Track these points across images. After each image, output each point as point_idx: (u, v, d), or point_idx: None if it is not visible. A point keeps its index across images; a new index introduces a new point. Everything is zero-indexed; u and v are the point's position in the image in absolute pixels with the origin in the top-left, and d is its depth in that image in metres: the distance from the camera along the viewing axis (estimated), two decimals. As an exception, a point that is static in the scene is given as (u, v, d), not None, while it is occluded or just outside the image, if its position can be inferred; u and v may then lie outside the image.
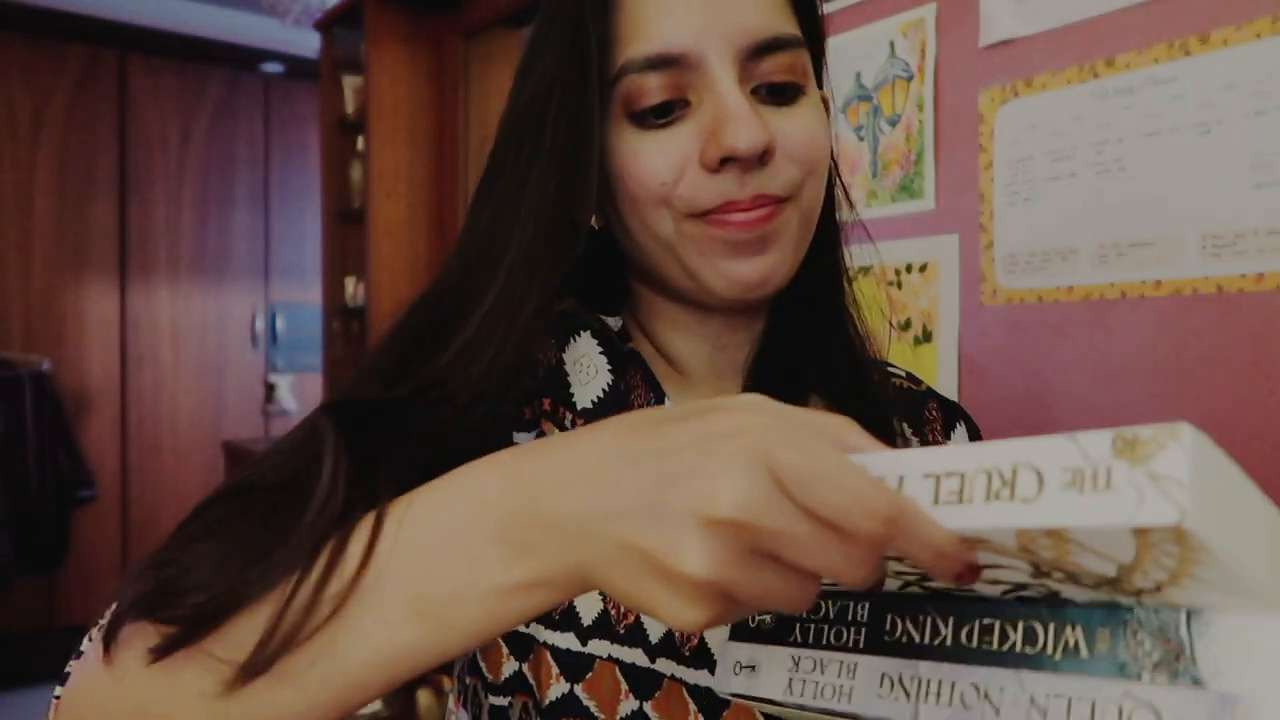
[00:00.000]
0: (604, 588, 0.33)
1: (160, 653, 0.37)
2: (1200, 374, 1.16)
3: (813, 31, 0.60)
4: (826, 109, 0.62)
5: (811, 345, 0.64)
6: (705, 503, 0.30)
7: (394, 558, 0.37)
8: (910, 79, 1.48)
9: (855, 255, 0.67)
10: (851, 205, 0.68)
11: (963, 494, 0.30)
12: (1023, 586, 0.34)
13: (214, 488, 0.45)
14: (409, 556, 0.36)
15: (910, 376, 0.72)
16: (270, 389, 4.16)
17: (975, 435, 0.73)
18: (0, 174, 3.56)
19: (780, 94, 0.56)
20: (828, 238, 0.64)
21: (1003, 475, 0.29)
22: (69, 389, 3.63)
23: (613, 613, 0.54)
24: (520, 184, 0.55)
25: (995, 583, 0.34)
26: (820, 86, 0.63)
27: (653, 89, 0.54)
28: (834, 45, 1.61)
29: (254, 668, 0.36)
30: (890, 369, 0.71)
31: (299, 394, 4.18)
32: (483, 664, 0.56)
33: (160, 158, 3.90)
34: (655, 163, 0.55)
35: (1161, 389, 1.19)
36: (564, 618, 0.54)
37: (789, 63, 0.55)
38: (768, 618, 0.42)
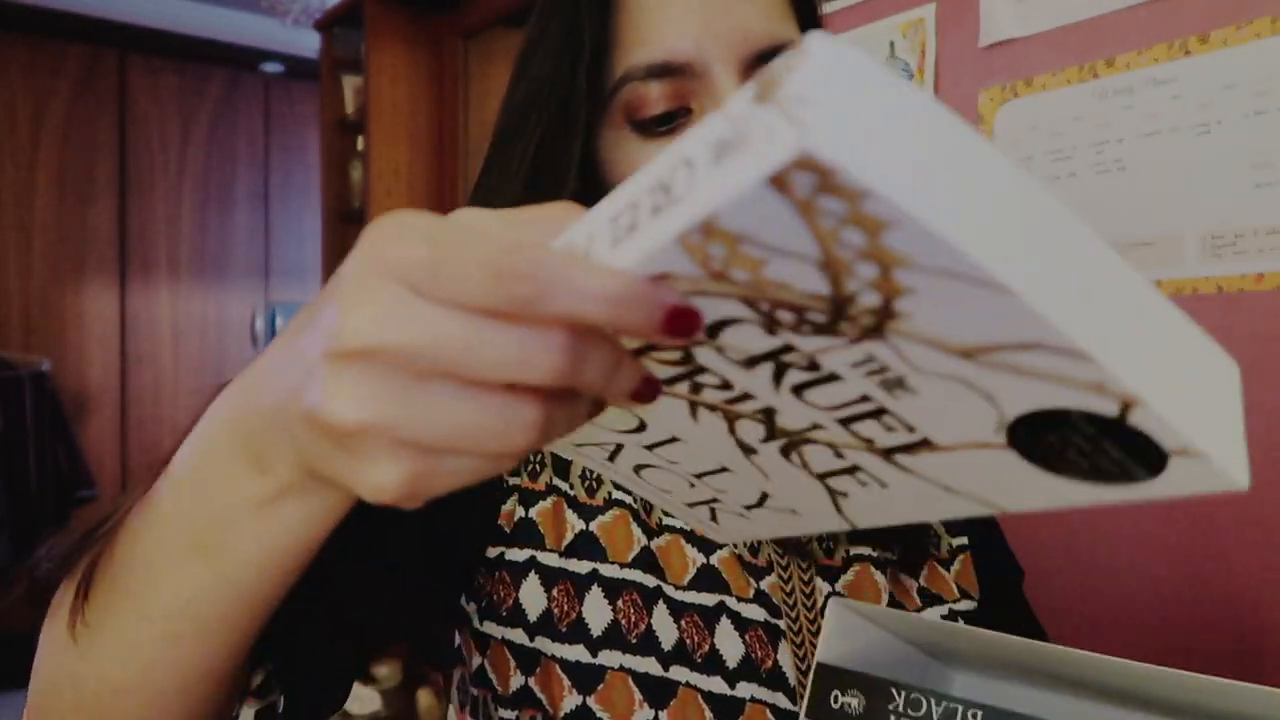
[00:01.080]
0: (323, 475, 0.28)
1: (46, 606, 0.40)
2: (1200, 374, 1.16)
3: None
4: None
5: None
6: (329, 339, 0.25)
7: (172, 494, 0.35)
8: (910, 79, 1.48)
9: None
10: None
11: (635, 222, 0.24)
12: (775, 359, 0.27)
13: None
14: (183, 490, 0.35)
15: None
16: (270, 389, 4.16)
17: None
18: (0, 174, 3.56)
19: None
20: None
21: (663, 183, 0.23)
22: (69, 389, 3.63)
23: (623, 623, 0.54)
24: (501, 189, 0.55)
25: (744, 357, 0.27)
26: None
27: (655, 98, 0.53)
28: (834, 45, 1.61)
29: (75, 616, 0.38)
30: None
31: (299, 394, 4.18)
32: (491, 675, 0.55)
33: (160, 158, 3.90)
34: None
35: (1161, 389, 1.20)
36: (572, 629, 0.53)
37: None
38: (853, 702, 0.38)
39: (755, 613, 0.56)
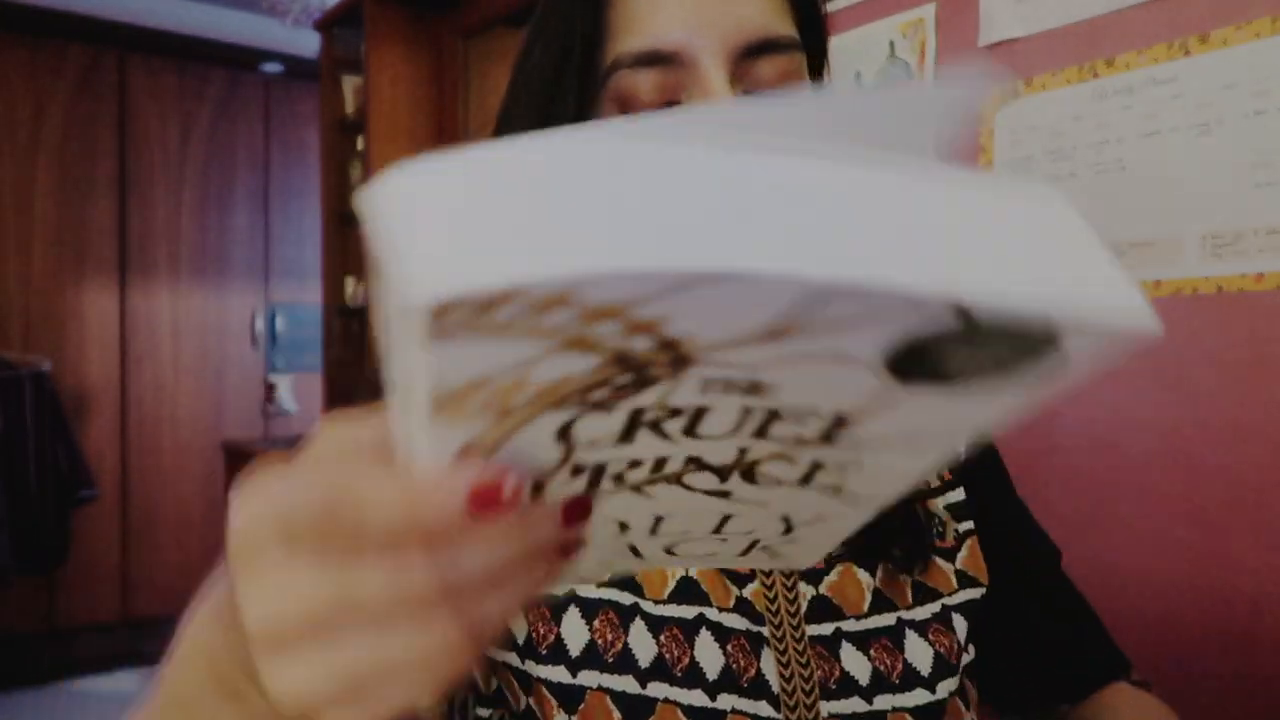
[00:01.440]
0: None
1: None
2: (1200, 374, 1.16)
3: (814, 37, 0.58)
4: None
5: None
6: (250, 632, 0.25)
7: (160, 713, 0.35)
8: (910, 79, 1.48)
9: None
10: None
11: (406, 421, 0.24)
12: (639, 423, 0.26)
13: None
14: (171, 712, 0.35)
15: None
16: (270, 389, 4.16)
17: None
18: (0, 174, 3.56)
19: None
20: None
21: (391, 374, 0.23)
22: (69, 389, 3.63)
23: (599, 642, 0.54)
24: None
25: (613, 438, 0.26)
26: None
27: (645, 88, 0.53)
28: (834, 45, 1.61)
29: None
30: None
31: (299, 394, 4.18)
32: (508, 694, 0.55)
33: (160, 158, 3.90)
34: None
35: (1161, 389, 1.19)
36: (552, 651, 0.53)
37: (784, 67, 0.54)
38: None
39: (736, 622, 0.55)
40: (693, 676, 0.53)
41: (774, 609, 0.56)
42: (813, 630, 0.57)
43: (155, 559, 3.78)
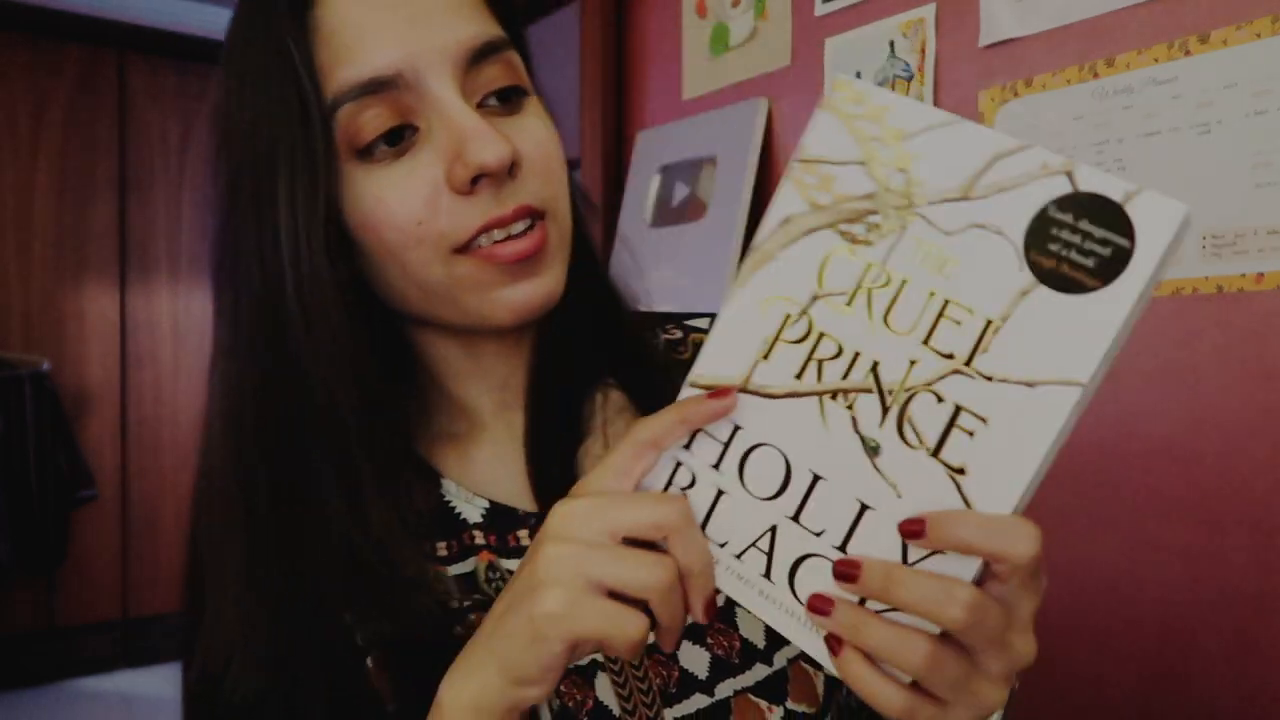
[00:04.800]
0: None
1: None
2: (1200, 374, 1.16)
3: (515, 29, 0.57)
4: (548, 112, 0.59)
5: (588, 347, 0.62)
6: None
7: None
8: (910, 79, 1.48)
9: None
10: (591, 202, 0.65)
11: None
12: (862, 287, 0.39)
13: None
14: None
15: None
16: (270, 389, 4.15)
17: None
18: (0, 174, 3.56)
19: (507, 100, 0.53)
20: (580, 236, 0.61)
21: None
22: (69, 389, 3.63)
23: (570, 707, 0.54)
24: (243, 267, 0.52)
25: (846, 293, 0.39)
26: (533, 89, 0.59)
27: (374, 116, 0.49)
28: (834, 45, 1.61)
29: None
30: (691, 323, 0.68)
31: (299, 394, 4.17)
32: None
33: (160, 158, 3.90)
34: (406, 201, 0.50)
35: (1161, 389, 1.19)
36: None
37: (506, 67, 0.53)
38: None
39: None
40: None
41: None
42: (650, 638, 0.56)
43: (155, 559, 3.77)
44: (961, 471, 0.36)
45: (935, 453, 0.36)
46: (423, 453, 0.59)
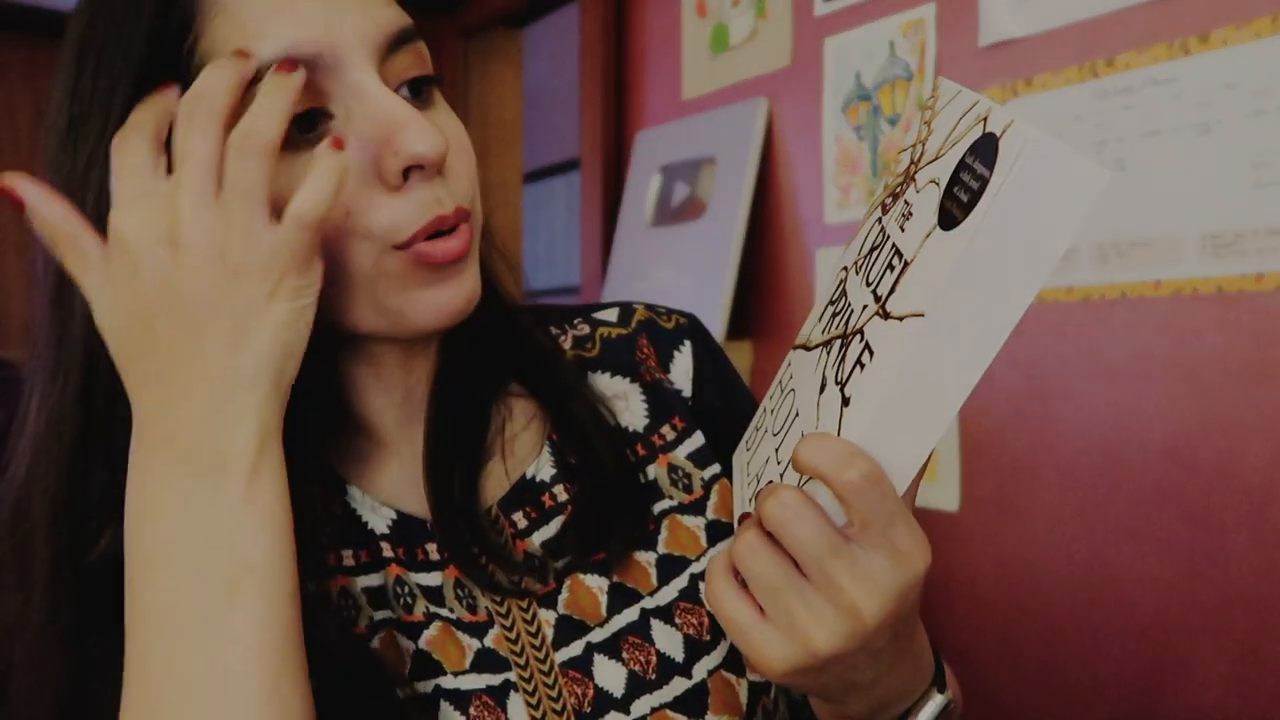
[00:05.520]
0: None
1: None
2: (1200, 374, 1.16)
3: (417, 18, 0.54)
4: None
5: (491, 354, 0.59)
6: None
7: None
8: (910, 79, 1.48)
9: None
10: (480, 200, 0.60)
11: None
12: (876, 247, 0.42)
13: None
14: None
15: (624, 315, 0.66)
16: (270, 389, 4.15)
17: (702, 347, 0.66)
18: (0, 174, 3.56)
19: (420, 92, 0.50)
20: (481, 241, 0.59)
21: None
22: (69, 389, 3.62)
23: None
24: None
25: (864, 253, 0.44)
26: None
27: None
28: (834, 45, 1.61)
29: None
30: (598, 317, 0.66)
31: (299, 394, 4.17)
32: None
33: (160, 158, 3.90)
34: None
35: (1161, 389, 1.19)
36: None
37: (418, 56, 0.50)
38: None
39: (474, 681, 0.53)
40: None
41: (518, 649, 0.54)
42: (565, 654, 0.54)
43: (155, 559, 3.77)
44: (847, 402, 0.39)
45: (842, 387, 0.40)
46: (329, 462, 0.57)
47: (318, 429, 0.54)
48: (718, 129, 1.82)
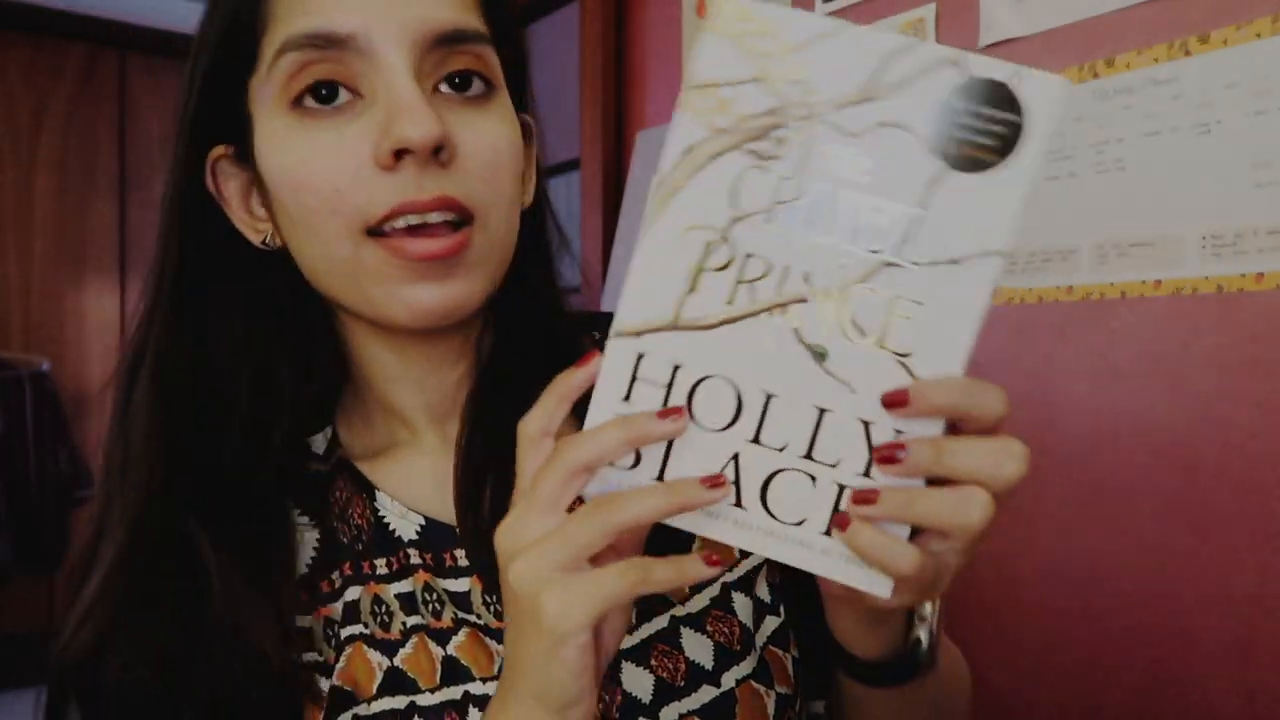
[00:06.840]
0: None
1: None
2: (1200, 374, 1.16)
3: (508, 38, 0.56)
4: (529, 134, 0.57)
5: (538, 362, 0.60)
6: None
7: None
8: (910, 79, 1.48)
9: None
10: (565, 238, 0.64)
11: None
12: (779, 200, 0.39)
13: None
14: None
15: None
16: (270, 389, 4.15)
17: None
18: (0, 173, 3.56)
19: (464, 88, 0.51)
20: (538, 257, 0.60)
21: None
22: (69, 389, 3.62)
23: None
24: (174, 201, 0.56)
25: (765, 210, 0.39)
26: (523, 107, 0.57)
27: (312, 70, 0.49)
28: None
29: None
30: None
31: (299, 394, 4.18)
32: None
33: (160, 158, 3.90)
34: (326, 165, 0.49)
35: (1161, 389, 1.19)
36: None
37: (476, 59, 0.51)
38: None
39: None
40: None
41: None
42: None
43: (155, 559, 3.78)
44: (907, 355, 0.38)
45: (881, 343, 0.38)
46: (360, 464, 0.58)
47: (357, 419, 0.57)
48: (718, 129, 1.81)
